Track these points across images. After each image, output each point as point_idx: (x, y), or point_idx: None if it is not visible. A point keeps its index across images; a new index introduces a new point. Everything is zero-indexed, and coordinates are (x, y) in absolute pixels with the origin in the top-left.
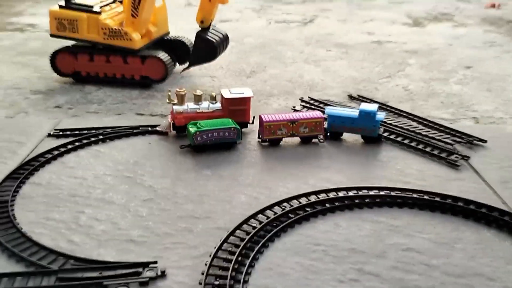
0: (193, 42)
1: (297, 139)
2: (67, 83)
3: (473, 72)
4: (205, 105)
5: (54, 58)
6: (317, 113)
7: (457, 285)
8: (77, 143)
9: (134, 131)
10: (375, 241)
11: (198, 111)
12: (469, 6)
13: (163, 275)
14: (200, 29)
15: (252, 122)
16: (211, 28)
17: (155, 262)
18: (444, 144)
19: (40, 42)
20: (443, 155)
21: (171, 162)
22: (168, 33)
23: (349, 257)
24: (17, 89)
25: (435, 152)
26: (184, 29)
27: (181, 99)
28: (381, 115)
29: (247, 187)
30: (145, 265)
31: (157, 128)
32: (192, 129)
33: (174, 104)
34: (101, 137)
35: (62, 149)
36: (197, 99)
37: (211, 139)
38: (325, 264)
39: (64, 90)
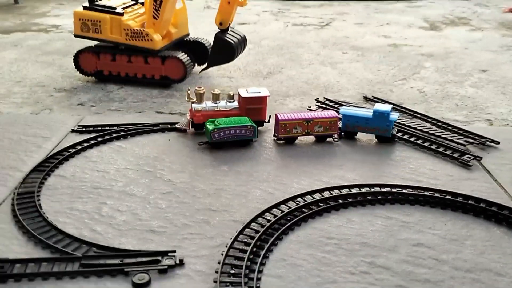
0: (211, 43)
1: (312, 138)
2: (90, 81)
3: (489, 75)
4: (222, 104)
5: (78, 57)
6: (331, 113)
7: (465, 279)
8: (99, 139)
9: (154, 128)
10: (387, 236)
11: (216, 109)
12: (487, 10)
13: (181, 263)
14: (219, 30)
15: (268, 121)
16: (229, 29)
17: (174, 251)
18: (457, 145)
19: (64, 42)
20: (456, 155)
21: (189, 158)
22: (188, 34)
23: (360, 250)
24: (42, 87)
25: (448, 152)
26: (203, 31)
27: (200, 98)
28: (394, 116)
29: (263, 183)
30: (164, 253)
31: (177, 126)
32: (210, 126)
33: (193, 102)
34: (122, 133)
35: (86, 144)
36: (215, 97)
37: (228, 136)
38: (337, 256)
39: (87, 89)
